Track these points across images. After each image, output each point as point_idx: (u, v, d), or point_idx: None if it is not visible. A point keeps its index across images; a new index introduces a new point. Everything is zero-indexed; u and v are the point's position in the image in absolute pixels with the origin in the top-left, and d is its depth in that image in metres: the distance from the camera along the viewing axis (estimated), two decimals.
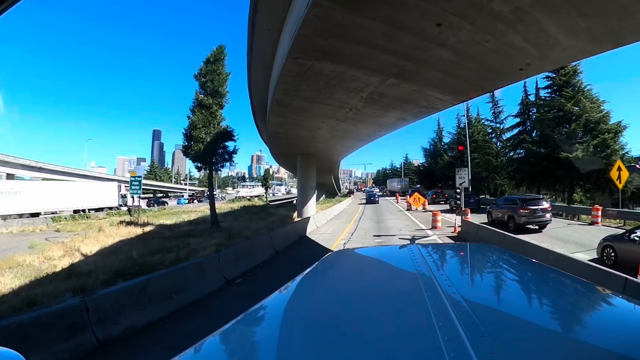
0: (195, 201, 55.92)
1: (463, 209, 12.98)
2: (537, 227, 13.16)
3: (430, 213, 21.54)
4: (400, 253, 1.76)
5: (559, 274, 1.35)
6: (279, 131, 16.29)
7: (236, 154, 19.82)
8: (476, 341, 0.70)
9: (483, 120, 38.98)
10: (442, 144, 49.73)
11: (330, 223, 18.71)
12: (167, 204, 47.76)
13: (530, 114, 32.68)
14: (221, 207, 38.72)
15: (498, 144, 36.81)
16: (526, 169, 27.67)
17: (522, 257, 1.64)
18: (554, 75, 27.60)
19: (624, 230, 8.45)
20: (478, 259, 1.72)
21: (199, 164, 19.20)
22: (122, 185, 42.83)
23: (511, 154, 34.80)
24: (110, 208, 33.41)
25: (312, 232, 15.47)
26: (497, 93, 35.61)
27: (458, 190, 12.99)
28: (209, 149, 18.97)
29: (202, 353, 0.88)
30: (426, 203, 24.57)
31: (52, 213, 26.77)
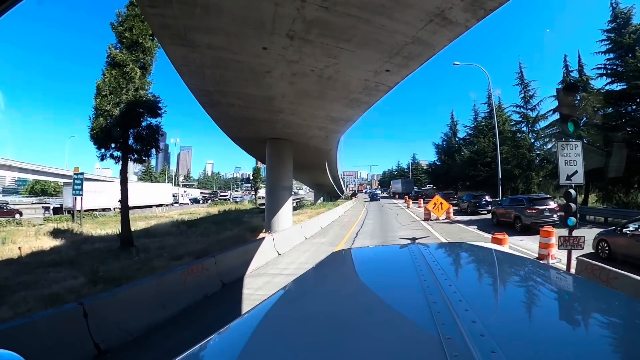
0: (209, 201, 56.36)
1: (574, 239, 5.37)
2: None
3: (461, 226, 14.03)
4: (401, 252, 1.64)
5: (560, 273, 1.38)
6: (210, 89, 9.01)
7: (160, 134, 12.73)
8: (477, 340, 0.67)
9: (511, 107, 31.00)
10: (457, 139, 41.88)
11: (306, 245, 11.28)
12: (200, 201, 53.08)
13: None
14: (195, 211, 31.77)
15: (529, 136, 28.94)
16: (588, 162, 19.68)
17: (523, 257, 1.59)
18: (614, 36, 19.96)
19: (616, 226, 8.27)
20: (479, 259, 1.65)
21: (103, 151, 12.11)
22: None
23: (549, 147, 26.92)
24: (168, 205, 38.88)
25: (262, 267, 8.11)
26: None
27: (571, 191, 5.40)
28: (119, 126, 11.96)
29: (205, 352, 0.86)
30: (451, 211, 16.84)
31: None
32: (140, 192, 34.40)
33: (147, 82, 12.89)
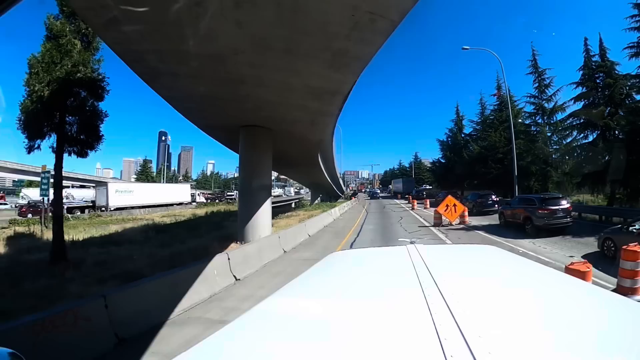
0: (217, 201, 58.81)
1: None
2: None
3: (482, 234, 11.01)
4: (400, 253, 1.57)
5: (559, 275, 1.31)
6: (137, 49, 6.19)
7: (101, 120, 10.12)
8: (474, 341, 0.66)
9: (523, 98, 27.92)
10: (463, 135, 38.73)
11: (281, 263, 8.39)
12: (209, 200, 55.71)
13: (598, 81, 21.77)
14: (181, 213, 29.10)
15: (545, 128, 25.86)
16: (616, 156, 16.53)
17: (521, 257, 1.58)
18: None
19: (622, 224, 8.26)
20: (477, 259, 1.60)
21: (33, 141, 9.52)
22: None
23: (569, 140, 23.79)
24: (187, 203, 42.03)
25: (200, 305, 5.26)
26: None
27: None
28: (51, 109, 9.41)
29: (204, 352, 0.85)
30: (466, 214, 13.89)
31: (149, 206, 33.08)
32: (164, 192, 39.74)
33: (95, 60, 10.28)
